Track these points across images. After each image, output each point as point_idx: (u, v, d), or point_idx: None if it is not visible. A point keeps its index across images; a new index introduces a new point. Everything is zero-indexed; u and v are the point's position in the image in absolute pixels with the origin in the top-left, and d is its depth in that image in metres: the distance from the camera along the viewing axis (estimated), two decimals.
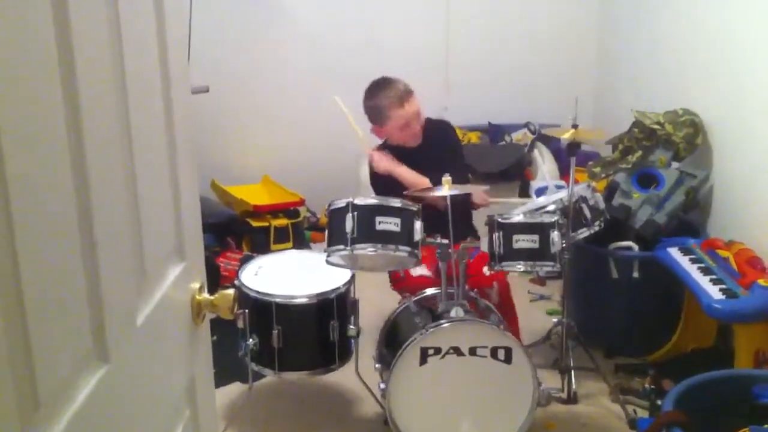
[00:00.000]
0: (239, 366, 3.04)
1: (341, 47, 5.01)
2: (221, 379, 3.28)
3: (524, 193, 4.75)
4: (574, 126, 3.09)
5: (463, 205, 3.34)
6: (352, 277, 2.98)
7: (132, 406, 1.05)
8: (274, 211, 4.77)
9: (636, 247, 3.50)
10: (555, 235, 2.83)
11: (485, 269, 3.11)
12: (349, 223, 2.68)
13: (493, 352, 2.66)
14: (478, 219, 3.40)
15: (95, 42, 0.93)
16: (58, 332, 0.83)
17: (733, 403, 2.46)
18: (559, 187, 4.13)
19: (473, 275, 3.07)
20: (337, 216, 2.76)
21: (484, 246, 2.95)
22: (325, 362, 2.96)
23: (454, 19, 5.21)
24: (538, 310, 4.13)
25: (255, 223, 4.70)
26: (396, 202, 2.76)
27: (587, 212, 3.16)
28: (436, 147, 3.37)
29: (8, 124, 0.70)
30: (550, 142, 4.94)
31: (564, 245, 2.91)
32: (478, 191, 3.37)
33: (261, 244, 4.62)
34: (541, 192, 4.27)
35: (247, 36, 5.03)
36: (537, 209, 3.19)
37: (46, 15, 0.80)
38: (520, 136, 5.10)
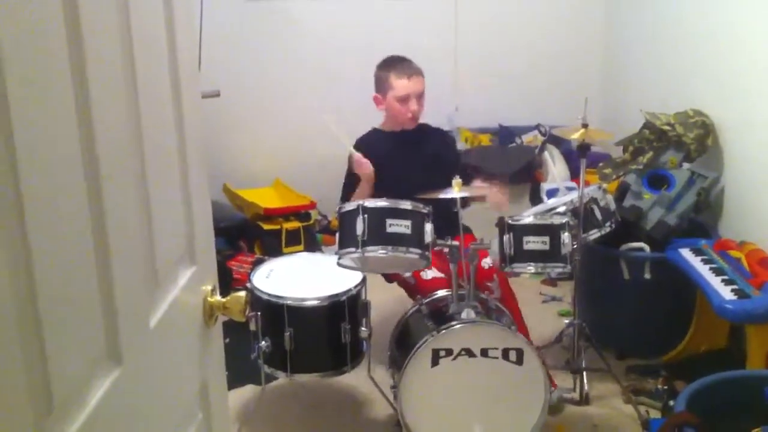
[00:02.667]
0: (252, 368, 3.05)
1: (351, 51, 5.02)
2: (234, 381, 3.29)
3: (535, 194, 4.75)
4: (584, 125, 3.09)
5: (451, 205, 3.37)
6: (364, 279, 2.98)
7: (145, 408, 1.06)
8: (286, 214, 4.78)
9: (647, 248, 3.49)
10: (566, 236, 2.83)
11: (483, 262, 3.13)
12: (359, 226, 2.69)
13: (505, 354, 2.66)
14: (476, 221, 3.41)
15: (106, 48, 0.95)
16: (72, 335, 0.84)
17: (745, 404, 2.46)
18: (569, 189, 4.13)
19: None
20: (347, 218, 2.77)
21: (494, 247, 2.95)
22: (337, 364, 2.97)
23: (463, 22, 5.21)
24: (550, 312, 4.12)
25: (266, 227, 4.71)
26: (406, 205, 2.76)
27: (598, 213, 3.16)
28: (436, 159, 3.41)
29: (21, 131, 0.72)
30: (561, 144, 4.93)
31: (575, 246, 2.91)
32: (488, 192, 3.37)
33: (273, 247, 4.63)
34: (551, 194, 4.27)
35: (257, 40, 5.04)
36: (548, 211, 3.20)
37: (57, 21, 0.82)
38: (530, 138, 5.10)
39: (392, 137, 3.45)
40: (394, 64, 3.40)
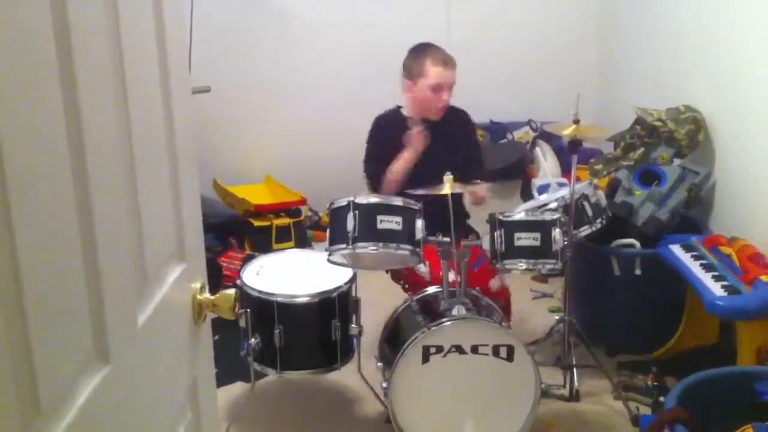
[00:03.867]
0: (241, 365, 3.04)
1: (342, 47, 5.01)
2: (223, 379, 3.28)
3: (526, 190, 4.74)
4: (576, 121, 3.09)
5: (460, 203, 3.34)
6: (354, 275, 2.97)
7: (133, 408, 1.05)
8: (276, 210, 4.77)
9: (638, 245, 3.50)
10: (557, 232, 2.83)
11: (492, 284, 3.10)
12: (350, 222, 2.68)
13: (495, 350, 2.66)
14: (476, 218, 3.40)
15: (94, 42, 0.93)
16: (59, 335, 0.83)
17: (735, 400, 2.46)
18: (561, 185, 4.12)
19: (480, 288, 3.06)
20: (338, 215, 2.76)
21: (485, 244, 2.94)
22: (327, 361, 2.96)
23: (456, 17, 5.21)
24: (541, 308, 4.13)
25: (257, 223, 4.70)
26: (397, 201, 2.75)
27: (589, 210, 3.16)
28: (454, 136, 3.36)
29: (8, 126, 0.70)
30: (552, 140, 4.93)
31: (566, 243, 2.90)
32: (481, 190, 3.35)
33: (263, 243, 4.62)
34: (543, 190, 4.26)
35: (248, 36, 5.03)
36: (539, 207, 3.19)
37: (45, 16, 0.80)
38: (521, 134, 5.10)
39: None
40: (430, 50, 3.30)
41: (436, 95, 3.27)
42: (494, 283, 3.14)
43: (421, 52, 3.31)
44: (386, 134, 3.37)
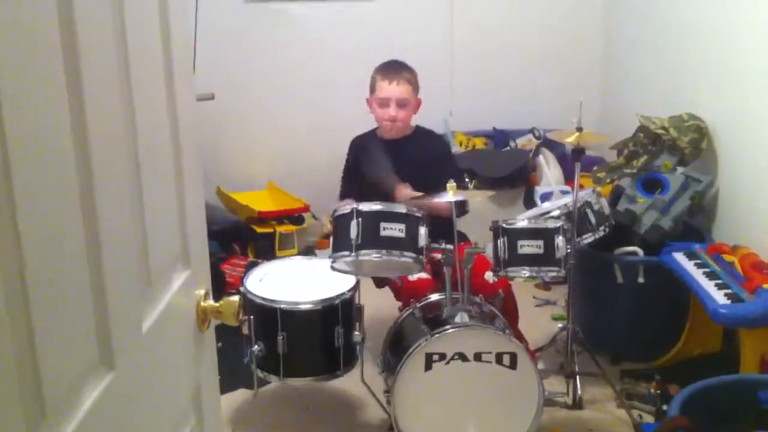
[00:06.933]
0: (244, 372, 3.04)
1: (346, 55, 5.01)
2: (226, 386, 3.28)
3: (529, 198, 4.74)
4: (579, 129, 3.09)
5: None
6: (357, 283, 2.97)
7: (137, 413, 1.05)
8: (279, 217, 4.77)
9: (641, 252, 3.49)
10: (560, 240, 2.82)
11: (488, 276, 3.11)
12: (353, 230, 2.68)
13: (498, 358, 2.65)
14: (470, 225, 3.40)
15: (101, 50, 0.94)
16: (64, 341, 0.84)
17: (739, 408, 2.46)
18: (564, 193, 4.13)
19: (475, 283, 3.04)
20: (341, 222, 2.76)
21: (488, 251, 2.94)
22: (330, 368, 2.95)
23: (459, 25, 5.21)
24: (543, 316, 4.12)
25: (260, 230, 4.70)
26: (401, 208, 2.76)
27: (592, 217, 3.15)
28: (425, 165, 3.39)
29: (14, 133, 0.71)
30: (555, 148, 4.93)
31: (569, 250, 2.90)
32: (478, 197, 3.37)
33: (266, 250, 4.62)
34: (546, 197, 4.27)
35: (252, 43, 5.03)
36: (542, 214, 3.19)
37: (52, 23, 0.81)
38: (525, 142, 5.09)
39: (385, 142, 3.43)
40: (385, 67, 3.40)
41: (383, 110, 3.34)
42: (490, 275, 3.13)
43: (377, 69, 3.41)
44: (356, 158, 3.48)
